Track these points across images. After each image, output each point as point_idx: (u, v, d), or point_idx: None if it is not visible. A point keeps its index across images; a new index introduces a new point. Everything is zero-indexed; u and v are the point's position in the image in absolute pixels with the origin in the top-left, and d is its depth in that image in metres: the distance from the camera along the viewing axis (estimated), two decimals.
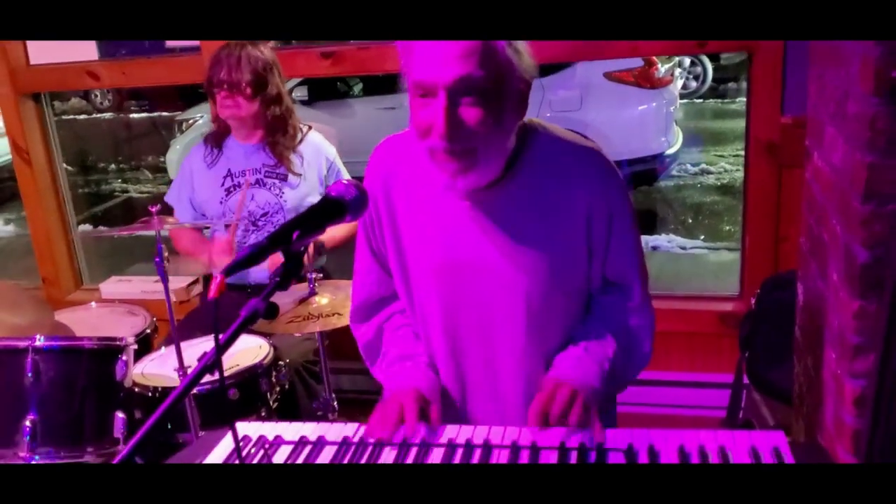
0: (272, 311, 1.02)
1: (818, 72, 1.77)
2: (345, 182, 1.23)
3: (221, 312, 1.02)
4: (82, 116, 11.58)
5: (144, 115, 11.81)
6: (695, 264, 5.63)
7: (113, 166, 9.60)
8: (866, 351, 1.39)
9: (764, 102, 2.71)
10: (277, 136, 2.77)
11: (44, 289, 3.73)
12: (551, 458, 1.33)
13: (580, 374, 1.47)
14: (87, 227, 7.14)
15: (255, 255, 1.04)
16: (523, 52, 1.39)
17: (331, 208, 1.18)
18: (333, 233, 2.67)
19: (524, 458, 1.34)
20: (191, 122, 7.19)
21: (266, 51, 2.74)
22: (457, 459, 1.35)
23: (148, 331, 2.75)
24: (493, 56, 1.34)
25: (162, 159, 8.41)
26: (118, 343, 2.15)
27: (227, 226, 2.79)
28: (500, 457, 1.35)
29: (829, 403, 1.62)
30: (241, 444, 1.43)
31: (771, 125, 2.70)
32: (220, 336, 1.00)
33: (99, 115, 11.97)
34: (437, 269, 1.54)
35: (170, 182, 7.41)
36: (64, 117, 11.47)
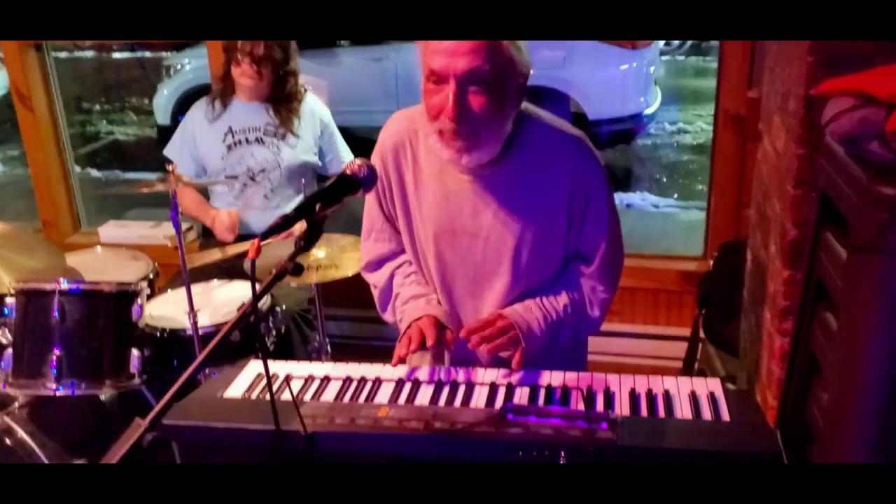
0: (298, 270, 1.24)
1: (770, 64, 1.97)
2: (358, 162, 1.43)
3: None
4: (63, 54, 11.36)
5: (128, 54, 11.63)
6: (666, 222, 5.73)
7: (97, 107, 9.53)
8: (792, 313, 1.62)
9: (733, 76, 2.85)
10: (284, 102, 2.92)
11: (44, 231, 3.84)
12: (524, 394, 1.55)
13: (523, 316, 1.70)
14: (76, 168, 7.17)
15: (285, 223, 1.25)
16: (523, 50, 1.58)
17: (347, 184, 1.38)
18: None
19: (499, 394, 1.56)
20: (178, 66, 7.19)
21: None
22: (442, 395, 1.57)
23: (151, 275, 2.91)
24: (497, 52, 1.52)
25: (147, 101, 8.39)
26: (134, 288, 2.33)
27: (227, 180, 2.96)
28: (480, 393, 1.57)
29: (764, 357, 1.86)
30: (256, 379, 1.66)
31: (738, 99, 2.85)
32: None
33: (80, 54, 11.77)
34: (437, 232, 1.75)
35: (155, 125, 7.51)
36: None
